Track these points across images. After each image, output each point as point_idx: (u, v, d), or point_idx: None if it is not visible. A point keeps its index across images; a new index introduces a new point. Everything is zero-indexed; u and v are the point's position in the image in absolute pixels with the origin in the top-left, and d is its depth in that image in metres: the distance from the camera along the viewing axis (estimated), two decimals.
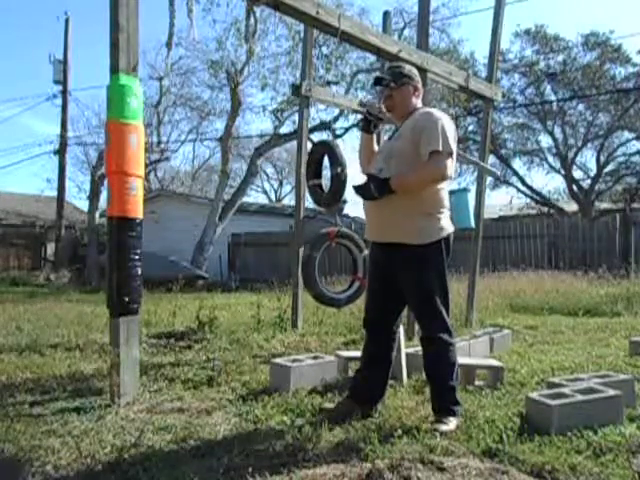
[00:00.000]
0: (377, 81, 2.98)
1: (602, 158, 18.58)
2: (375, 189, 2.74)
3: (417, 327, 4.71)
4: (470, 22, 46.40)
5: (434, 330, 2.77)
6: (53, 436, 2.62)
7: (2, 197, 23.12)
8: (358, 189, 2.85)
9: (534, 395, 2.83)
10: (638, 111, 17.20)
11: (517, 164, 19.80)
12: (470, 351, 4.32)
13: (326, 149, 4.34)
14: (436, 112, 2.84)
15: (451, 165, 2.72)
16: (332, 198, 4.28)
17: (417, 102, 2.97)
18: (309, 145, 5.86)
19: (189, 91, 18.69)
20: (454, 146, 2.74)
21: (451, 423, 2.66)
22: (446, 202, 2.87)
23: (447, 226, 2.84)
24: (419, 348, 3.06)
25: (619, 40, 17.01)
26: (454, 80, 5.31)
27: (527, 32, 17.81)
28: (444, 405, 2.74)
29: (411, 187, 2.75)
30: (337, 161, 4.11)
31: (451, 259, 2.86)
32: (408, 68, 3.02)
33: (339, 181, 4.01)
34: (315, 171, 4.51)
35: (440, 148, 2.66)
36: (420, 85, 3.01)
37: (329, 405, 3.05)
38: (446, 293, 2.82)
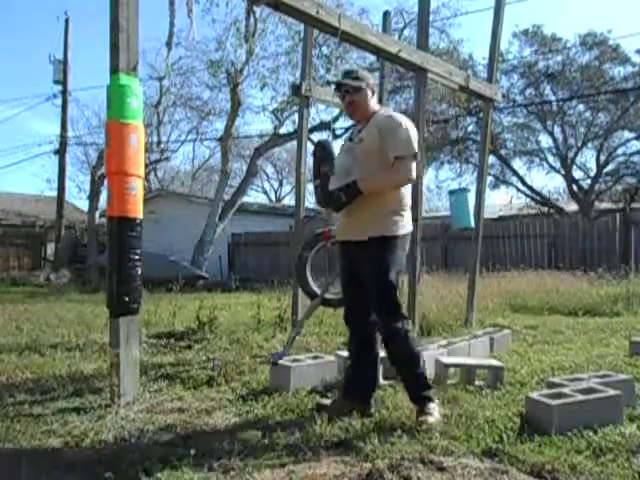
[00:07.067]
0: (338, 87, 3.09)
1: (602, 158, 18.54)
2: (345, 196, 2.92)
3: (415, 324, 4.73)
4: (470, 22, 46.44)
5: (392, 321, 2.87)
6: (53, 436, 2.62)
7: (2, 197, 23.09)
8: (328, 201, 3.08)
9: (534, 395, 2.84)
10: (638, 111, 17.18)
11: (517, 164, 19.81)
12: (470, 351, 4.32)
13: (318, 149, 4.35)
14: (397, 115, 3.01)
15: (415, 166, 2.88)
16: (322, 197, 4.28)
17: (375, 104, 3.11)
18: (309, 145, 5.85)
19: (189, 91, 18.71)
20: (416, 146, 2.90)
21: (434, 411, 2.76)
22: (408, 200, 3.01)
23: (408, 224, 3.00)
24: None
25: (617, 40, 17.04)
26: (454, 80, 5.30)
27: (525, 33, 17.79)
28: (419, 393, 2.83)
29: (379, 189, 2.92)
30: (325, 160, 4.13)
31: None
32: (362, 72, 3.18)
33: (327, 180, 4.02)
34: (318, 171, 4.51)
35: (405, 152, 2.85)
36: (375, 86, 3.17)
37: (325, 401, 3.10)
38: (397, 287, 2.96)
